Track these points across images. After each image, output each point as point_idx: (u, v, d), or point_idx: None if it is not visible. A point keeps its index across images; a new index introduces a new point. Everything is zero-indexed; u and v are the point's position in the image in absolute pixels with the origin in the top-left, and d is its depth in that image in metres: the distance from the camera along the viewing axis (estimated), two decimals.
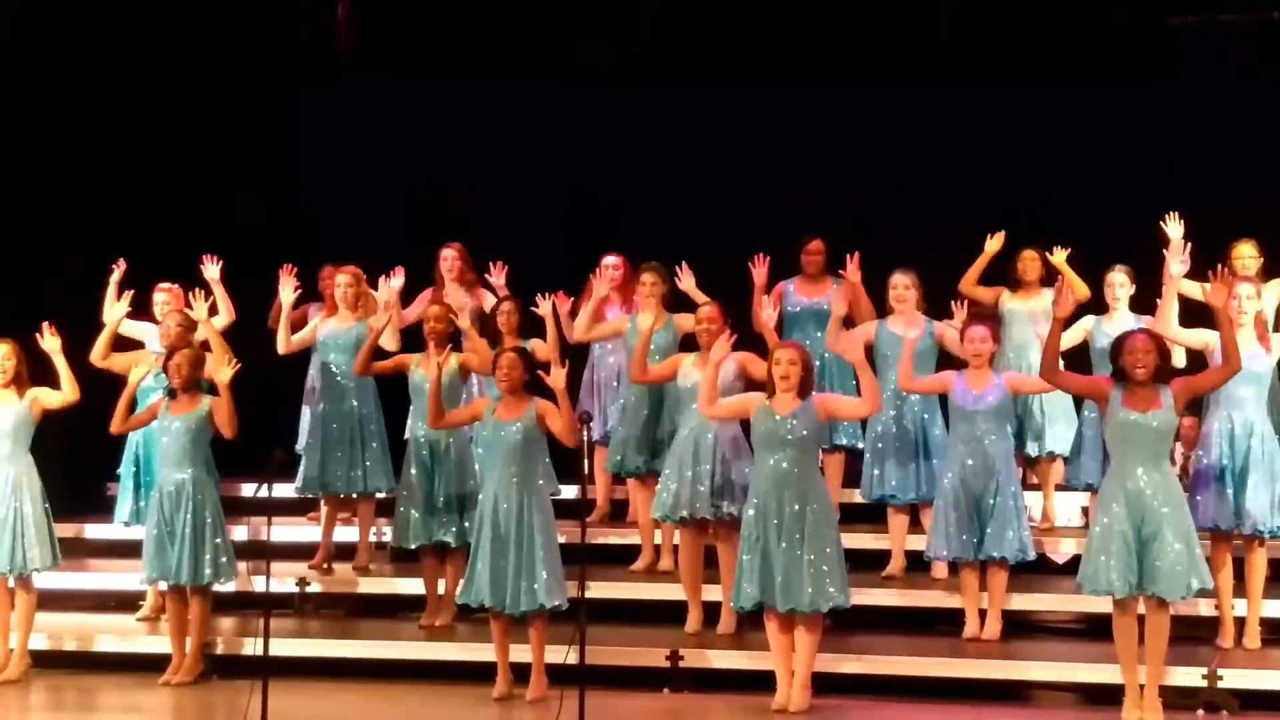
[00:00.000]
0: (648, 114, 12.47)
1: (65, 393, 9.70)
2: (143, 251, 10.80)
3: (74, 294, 10.91)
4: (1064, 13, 12.05)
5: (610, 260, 10.69)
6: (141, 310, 10.57)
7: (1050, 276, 10.32)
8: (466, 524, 9.64)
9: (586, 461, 8.79)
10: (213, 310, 10.18)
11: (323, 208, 12.80)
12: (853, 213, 11.82)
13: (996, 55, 12.12)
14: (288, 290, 10.29)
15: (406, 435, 10.15)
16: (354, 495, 10.54)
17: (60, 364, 9.68)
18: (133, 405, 9.77)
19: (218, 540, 9.47)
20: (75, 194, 12.01)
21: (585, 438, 8.68)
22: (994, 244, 10.50)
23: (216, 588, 9.61)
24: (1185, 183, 10.89)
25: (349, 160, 12.86)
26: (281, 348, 10.39)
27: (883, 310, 10.23)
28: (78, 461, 11.02)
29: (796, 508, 8.54)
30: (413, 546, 9.93)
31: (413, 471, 9.90)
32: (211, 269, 10.44)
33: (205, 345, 9.93)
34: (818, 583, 8.50)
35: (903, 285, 10.07)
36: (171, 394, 9.53)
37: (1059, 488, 10.64)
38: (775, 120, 12.35)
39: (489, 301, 10.63)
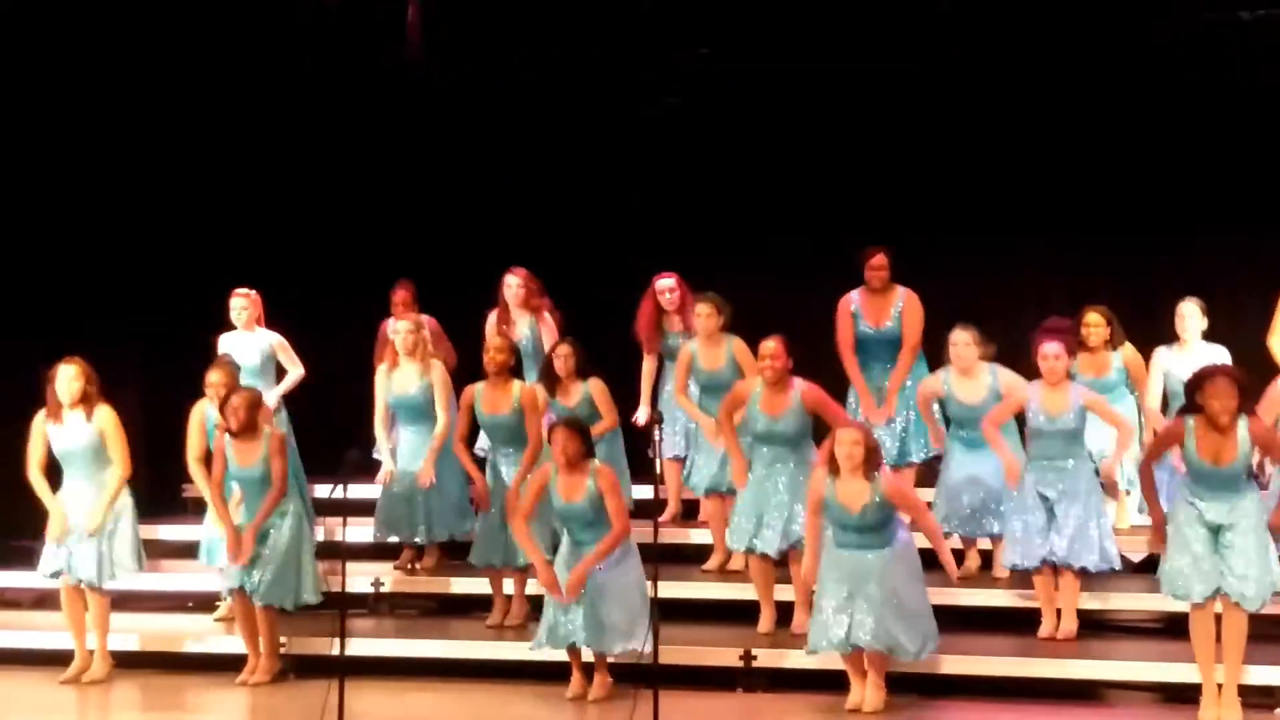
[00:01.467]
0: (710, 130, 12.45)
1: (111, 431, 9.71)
2: (216, 259, 10.96)
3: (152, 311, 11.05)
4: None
5: (665, 284, 10.70)
6: (213, 320, 10.73)
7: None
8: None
9: (658, 461, 8.97)
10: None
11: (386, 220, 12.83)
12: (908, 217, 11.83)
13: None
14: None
15: (480, 453, 10.25)
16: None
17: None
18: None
19: (305, 564, 9.60)
20: (136, 209, 12.06)
21: (656, 437, 8.84)
22: None
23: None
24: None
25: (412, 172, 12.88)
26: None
27: (935, 354, 10.24)
28: (155, 460, 11.12)
29: (873, 587, 8.62)
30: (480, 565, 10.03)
31: (493, 492, 9.93)
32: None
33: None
34: (898, 625, 8.62)
35: (963, 343, 9.91)
36: (232, 432, 9.59)
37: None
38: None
39: (547, 326, 10.74)
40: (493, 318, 10.98)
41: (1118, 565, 9.41)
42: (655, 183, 12.42)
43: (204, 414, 10.12)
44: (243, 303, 10.95)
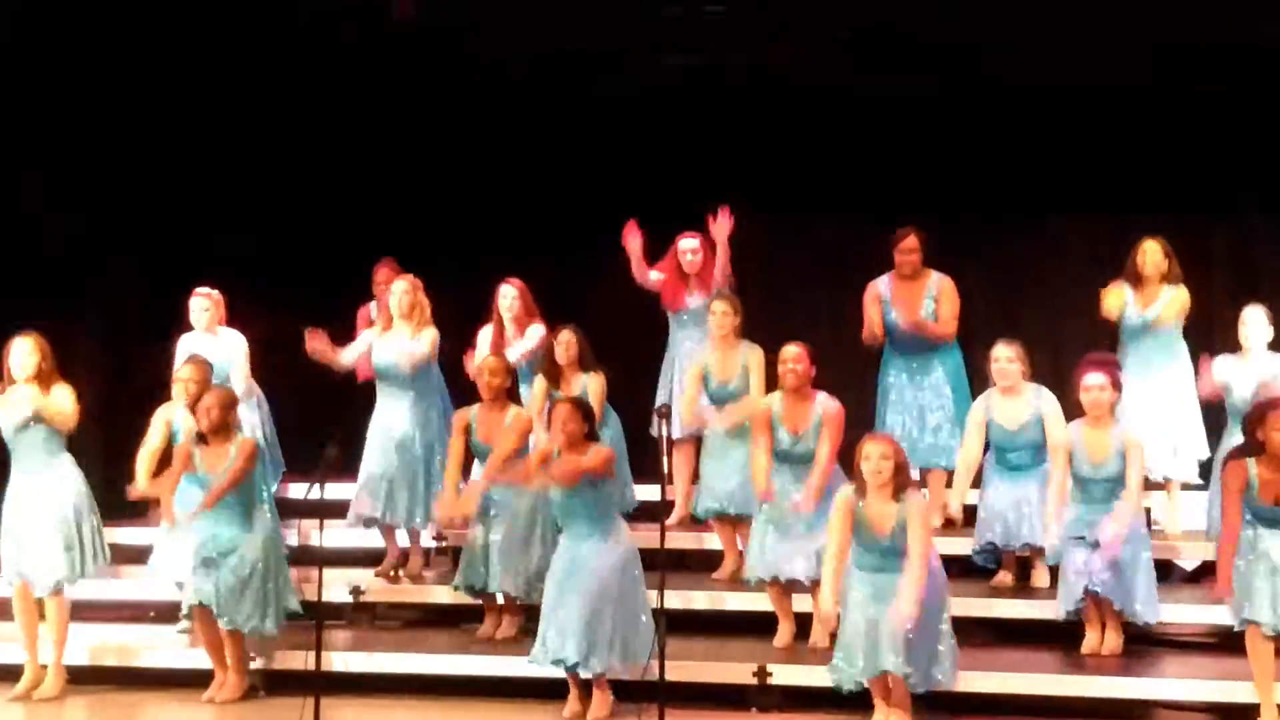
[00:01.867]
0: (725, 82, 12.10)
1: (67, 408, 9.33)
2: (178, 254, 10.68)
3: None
4: None
5: (689, 244, 10.47)
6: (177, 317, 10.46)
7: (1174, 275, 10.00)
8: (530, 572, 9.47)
9: (665, 460, 8.65)
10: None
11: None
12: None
13: None
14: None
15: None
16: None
17: None
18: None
19: (274, 584, 9.31)
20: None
21: (664, 433, 8.52)
22: None
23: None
24: None
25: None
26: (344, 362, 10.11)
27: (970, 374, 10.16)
28: (113, 458, 10.69)
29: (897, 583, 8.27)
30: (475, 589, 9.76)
31: (479, 524, 9.68)
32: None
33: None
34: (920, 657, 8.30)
35: (1005, 359, 9.58)
36: (202, 439, 9.28)
37: (1185, 487, 10.29)
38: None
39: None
40: (486, 333, 10.57)
41: (1154, 619, 9.08)
42: (667, 159, 12.12)
43: (170, 415, 9.78)
44: (204, 303, 10.52)
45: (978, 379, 10.16)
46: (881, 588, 8.23)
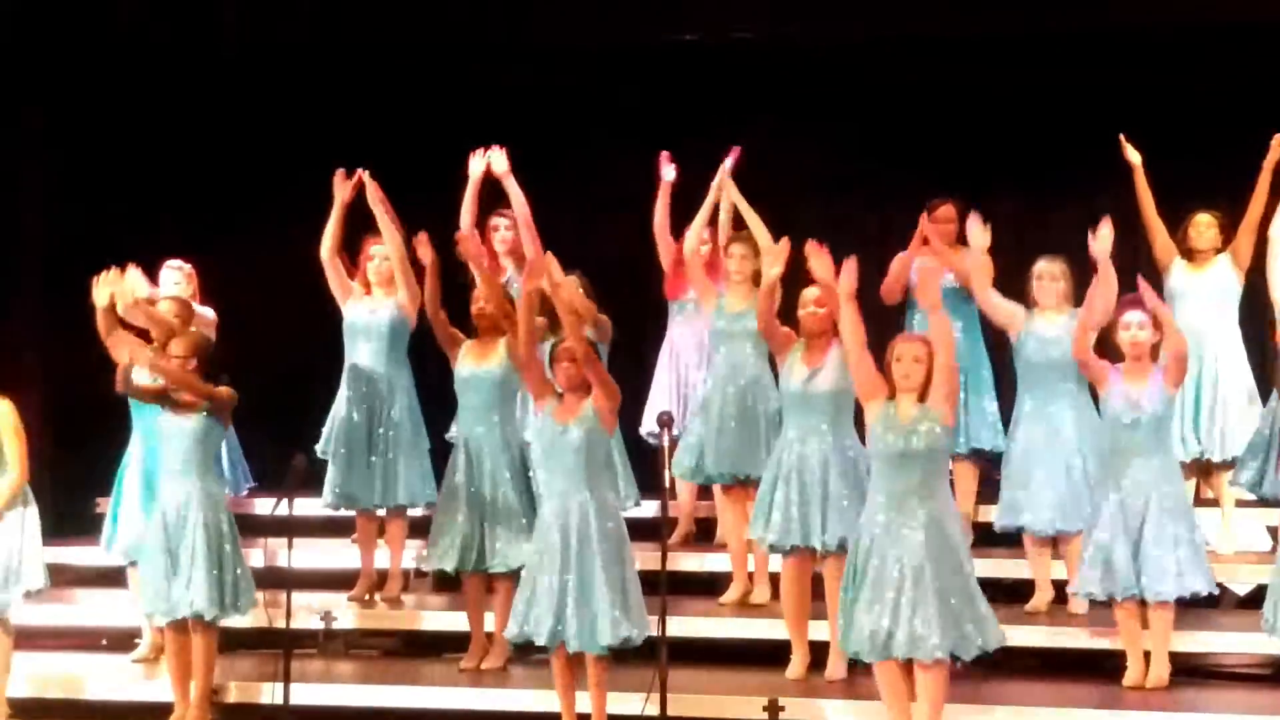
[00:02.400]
0: None
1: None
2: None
3: None
4: None
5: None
6: None
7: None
8: (520, 546, 9.00)
9: (667, 472, 8.32)
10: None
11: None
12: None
13: None
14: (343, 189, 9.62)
15: (450, 435, 9.53)
16: (385, 510, 9.90)
17: None
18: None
19: (231, 564, 8.81)
20: None
21: (665, 443, 8.20)
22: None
23: (227, 622, 8.92)
24: None
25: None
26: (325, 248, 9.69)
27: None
28: (60, 473, 10.56)
29: (921, 537, 7.78)
30: (451, 570, 9.25)
31: (455, 480, 9.24)
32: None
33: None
34: (946, 621, 7.75)
35: (1049, 276, 9.20)
36: (164, 397, 8.88)
37: (1240, 503, 9.81)
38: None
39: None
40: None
41: (1211, 588, 8.64)
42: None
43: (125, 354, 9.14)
44: (176, 276, 10.05)
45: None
46: (898, 550, 7.75)
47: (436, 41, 11.53)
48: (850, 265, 8.03)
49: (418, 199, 10.01)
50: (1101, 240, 8.75)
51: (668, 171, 9.84)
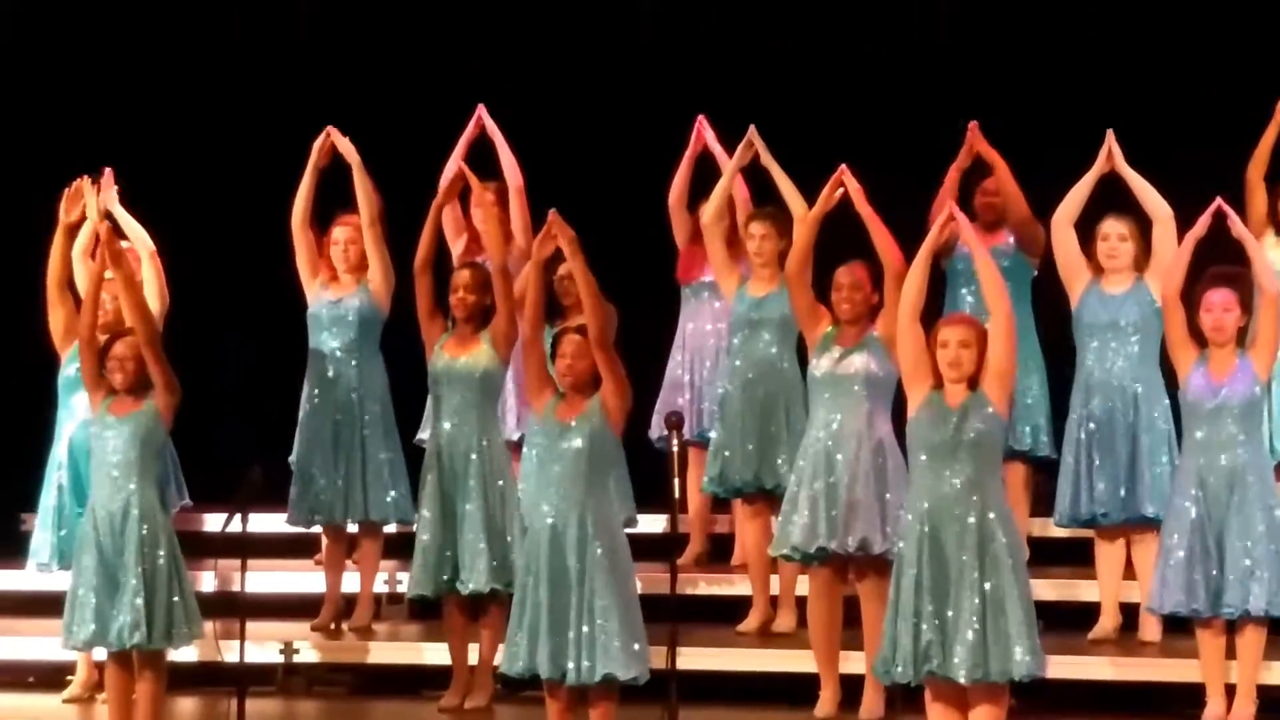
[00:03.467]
0: None
1: None
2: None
3: None
4: None
5: None
6: None
7: None
8: (508, 566, 8.70)
9: (677, 481, 7.84)
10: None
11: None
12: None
13: None
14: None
15: (421, 436, 9.23)
16: (353, 526, 9.60)
17: None
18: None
19: (176, 588, 8.41)
20: None
21: (674, 447, 7.79)
22: None
23: (174, 655, 8.57)
24: None
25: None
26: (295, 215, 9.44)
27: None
28: None
29: (972, 540, 7.42)
30: (431, 595, 8.87)
31: (429, 491, 8.89)
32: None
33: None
34: (1000, 643, 7.37)
35: (1116, 235, 8.85)
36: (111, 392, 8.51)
37: None
38: None
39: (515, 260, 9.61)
40: (458, 248, 9.85)
41: None
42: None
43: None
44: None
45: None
46: (945, 564, 7.36)
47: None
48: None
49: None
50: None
51: (706, 136, 9.48)
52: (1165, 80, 11.14)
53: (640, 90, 11.54)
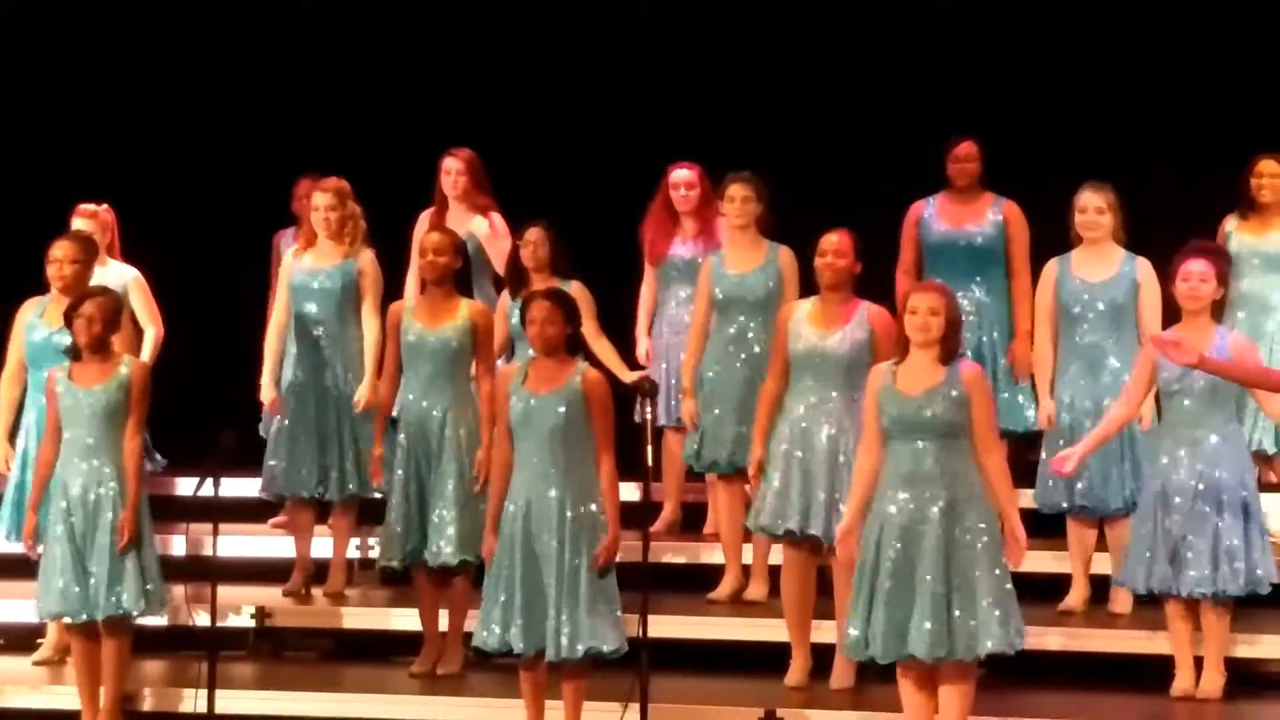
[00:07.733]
0: None
1: None
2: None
3: None
4: None
5: (681, 175, 9.67)
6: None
7: None
8: (477, 537, 8.73)
9: (650, 449, 8.05)
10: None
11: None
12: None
13: None
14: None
15: (394, 412, 9.25)
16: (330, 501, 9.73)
17: None
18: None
19: (143, 556, 8.58)
20: None
21: (647, 417, 8.08)
22: None
23: (142, 621, 8.73)
24: None
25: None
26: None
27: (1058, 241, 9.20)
28: None
29: (941, 518, 7.61)
30: (397, 565, 9.03)
31: (399, 463, 8.99)
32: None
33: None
34: (966, 623, 7.65)
35: (1094, 208, 9.02)
36: (75, 355, 8.58)
37: None
38: None
39: (496, 232, 9.87)
40: (423, 219, 9.95)
41: (1265, 588, 8.43)
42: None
43: (28, 317, 9.15)
44: (88, 225, 9.70)
45: None
46: (914, 539, 7.55)
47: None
48: None
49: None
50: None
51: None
52: (1166, 81, 11.13)
53: (640, 90, 11.57)
